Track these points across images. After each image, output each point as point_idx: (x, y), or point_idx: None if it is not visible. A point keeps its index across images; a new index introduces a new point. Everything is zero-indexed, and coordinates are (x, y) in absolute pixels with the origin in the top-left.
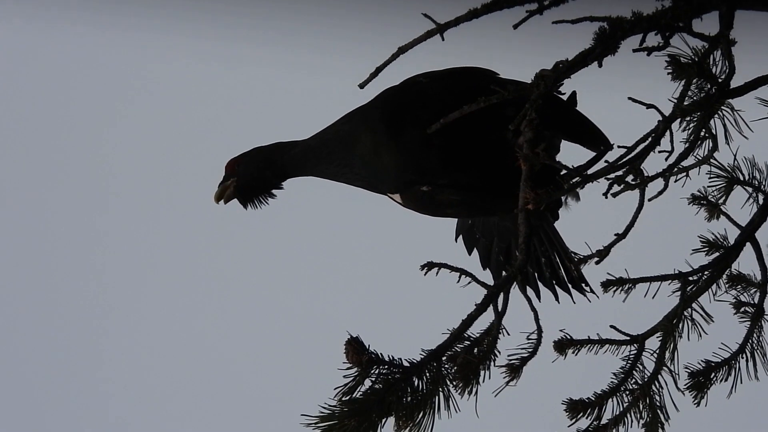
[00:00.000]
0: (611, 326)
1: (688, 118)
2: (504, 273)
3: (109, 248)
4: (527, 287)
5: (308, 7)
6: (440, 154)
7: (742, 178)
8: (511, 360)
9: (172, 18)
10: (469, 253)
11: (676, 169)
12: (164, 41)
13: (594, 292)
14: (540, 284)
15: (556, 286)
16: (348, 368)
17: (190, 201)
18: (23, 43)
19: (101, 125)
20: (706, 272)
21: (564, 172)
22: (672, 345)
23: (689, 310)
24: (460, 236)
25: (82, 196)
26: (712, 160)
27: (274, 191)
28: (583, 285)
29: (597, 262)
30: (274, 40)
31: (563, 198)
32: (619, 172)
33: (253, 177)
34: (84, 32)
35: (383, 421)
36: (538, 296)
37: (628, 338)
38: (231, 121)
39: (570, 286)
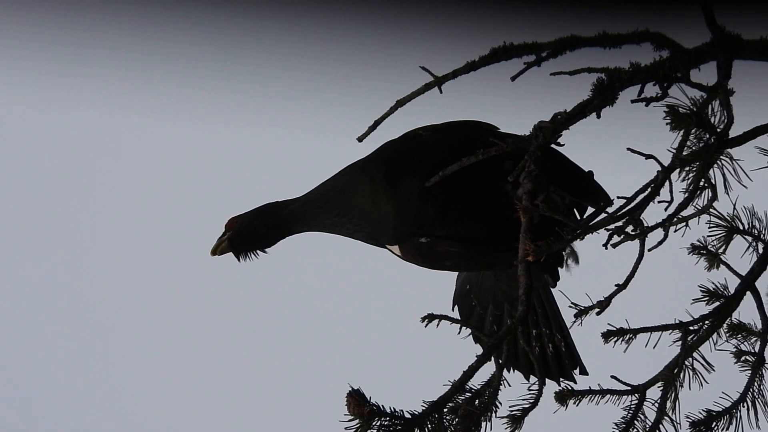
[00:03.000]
0: (612, 376)
1: (687, 168)
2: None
3: (103, 306)
4: (514, 369)
5: (306, 62)
6: (439, 206)
7: (741, 228)
8: (512, 411)
9: (167, 81)
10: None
11: (675, 219)
12: (160, 105)
13: (585, 372)
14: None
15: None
16: (350, 420)
17: (189, 259)
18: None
19: (96, 187)
20: (706, 322)
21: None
22: (673, 394)
23: (690, 359)
24: (457, 306)
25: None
26: (711, 210)
27: (266, 246)
28: (571, 368)
29: (598, 313)
30: (273, 95)
31: (564, 259)
32: (619, 223)
33: (246, 231)
34: (72, 94)
35: None
36: (527, 378)
37: (630, 388)
38: (228, 181)
39: (557, 367)
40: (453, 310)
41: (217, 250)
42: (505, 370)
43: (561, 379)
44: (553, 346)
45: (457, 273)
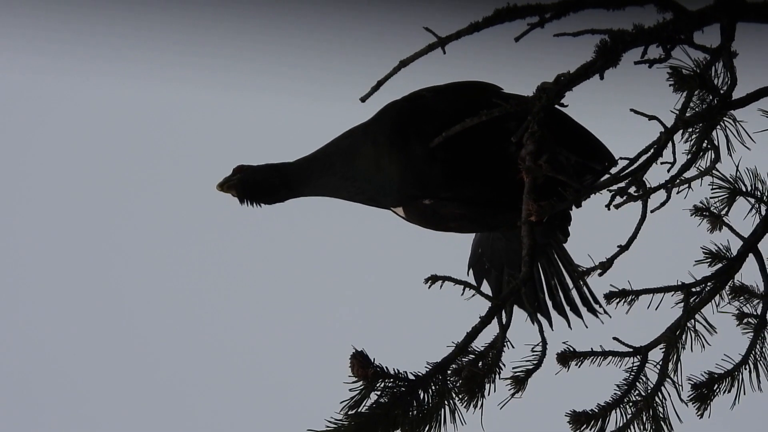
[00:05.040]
0: (614, 338)
1: (690, 130)
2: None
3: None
4: (539, 315)
5: (308, 22)
6: (443, 168)
7: (744, 190)
8: (515, 372)
9: (167, 44)
10: (479, 286)
11: (678, 180)
12: (163, 71)
13: (607, 313)
14: (553, 311)
15: (568, 311)
16: (353, 382)
17: (195, 218)
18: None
19: (93, 151)
20: (708, 283)
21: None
22: (675, 356)
23: (692, 321)
24: (472, 269)
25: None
26: (714, 172)
27: (272, 202)
28: (597, 307)
29: (600, 274)
30: (275, 56)
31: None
32: (622, 184)
33: (258, 179)
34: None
35: None
36: (551, 324)
37: (631, 350)
38: (230, 145)
39: (583, 308)
40: (468, 274)
41: (224, 186)
42: (508, 332)
43: (583, 312)
44: (576, 287)
45: (472, 236)
